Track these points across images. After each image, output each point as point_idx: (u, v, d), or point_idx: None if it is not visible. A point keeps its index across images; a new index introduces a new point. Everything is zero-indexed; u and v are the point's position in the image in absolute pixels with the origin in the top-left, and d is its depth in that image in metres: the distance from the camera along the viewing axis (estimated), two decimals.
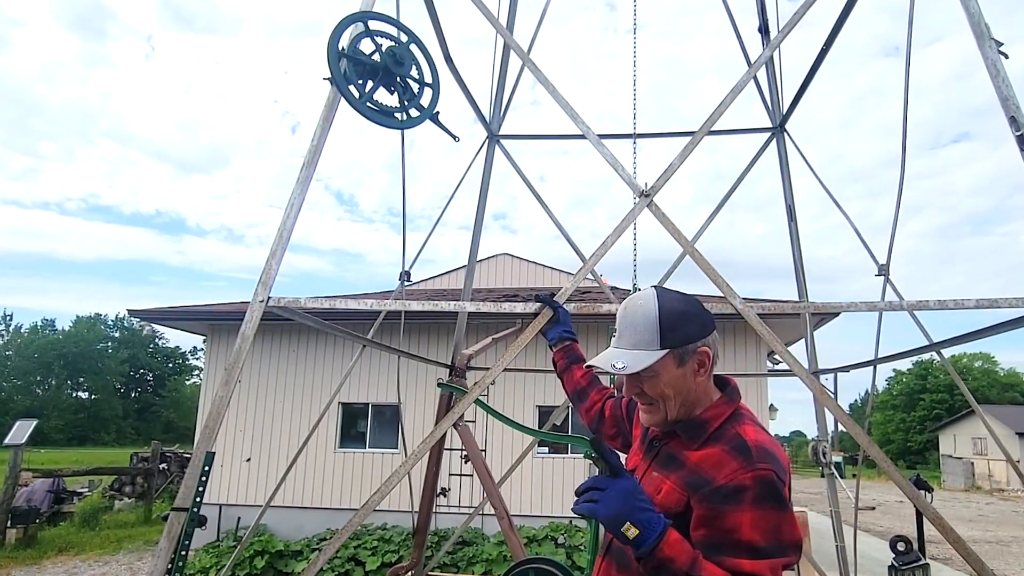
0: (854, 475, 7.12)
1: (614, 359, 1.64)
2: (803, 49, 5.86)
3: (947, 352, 4.59)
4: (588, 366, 1.77)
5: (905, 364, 61.54)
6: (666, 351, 1.61)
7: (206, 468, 3.02)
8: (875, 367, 5.32)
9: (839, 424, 5.20)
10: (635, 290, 5.17)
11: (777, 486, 1.45)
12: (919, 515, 6.37)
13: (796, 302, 6.31)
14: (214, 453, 3.13)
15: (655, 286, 1.75)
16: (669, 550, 1.38)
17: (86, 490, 17.66)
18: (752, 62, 4.72)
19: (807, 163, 6.02)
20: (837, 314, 10.83)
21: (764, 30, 6.32)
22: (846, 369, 5.98)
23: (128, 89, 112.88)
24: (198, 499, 2.97)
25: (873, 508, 22.04)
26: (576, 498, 1.46)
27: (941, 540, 3.13)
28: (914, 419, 56.93)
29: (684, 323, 1.64)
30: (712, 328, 1.70)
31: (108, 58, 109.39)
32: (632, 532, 1.38)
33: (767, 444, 1.53)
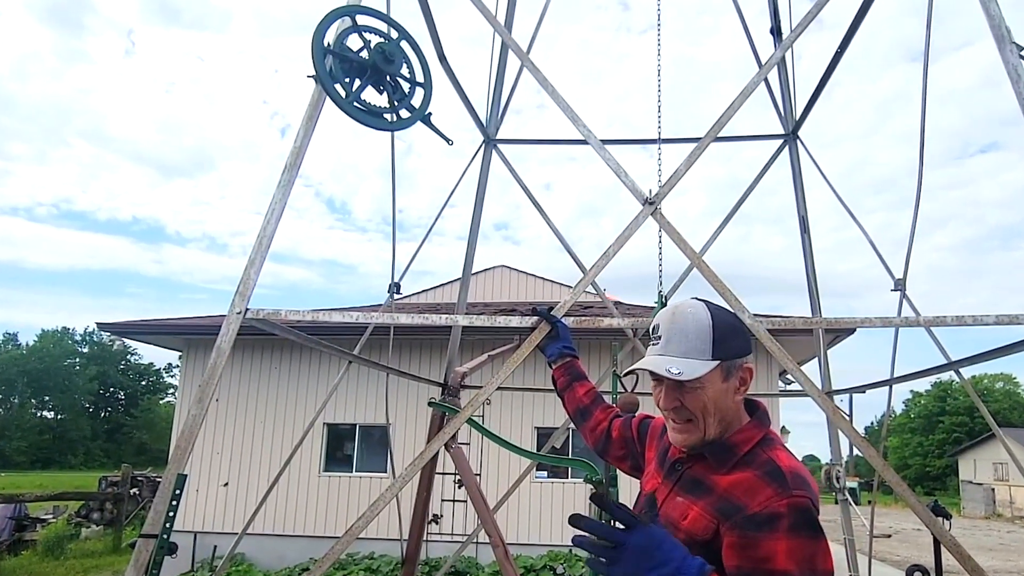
0: (869, 501, 7.10)
1: (667, 364, 1.62)
2: (819, 54, 5.89)
3: (967, 372, 4.58)
4: (632, 370, 1.74)
5: (923, 385, 61.70)
6: (717, 363, 1.63)
7: (177, 492, 2.98)
8: (891, 387, 5.31)
9: (854, 448, 5.17)
10: (661, 300, 5.16)
11: (812, 514, 1.47)
12: (937, 543, 6.32)
13: (808, 318, 6.30)
14: (186, 475, 3.09)
15: (697, 298, 1.76)
16: None
17: (50, 516, 17.45)
18: (763, 64, 4.74)
19: (820, 171, 6.04)
20: (852, 331, 10.83)
21: (776, 31, 6.36)
22: (861, 389, 5.95)
23: (106, 87, 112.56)
24: (168, 524, 2.93)
25: (889, 536, 21.93)
26: (578, 538, 1.38)
27: (960, 570, 3.10)
28: (932, 443, 56.91)
29: (734, 336, 1.68)
30: (752, 347, 1.73)
31: (85, 53, 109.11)
32: None
33: (801, 471, 1.54)
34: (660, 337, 1.69)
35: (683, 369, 1.60)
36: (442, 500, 11.23)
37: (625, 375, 1.83)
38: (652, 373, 1.67)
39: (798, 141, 6.47)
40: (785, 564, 1.40)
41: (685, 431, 1.67)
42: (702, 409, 1.63)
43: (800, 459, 1.65)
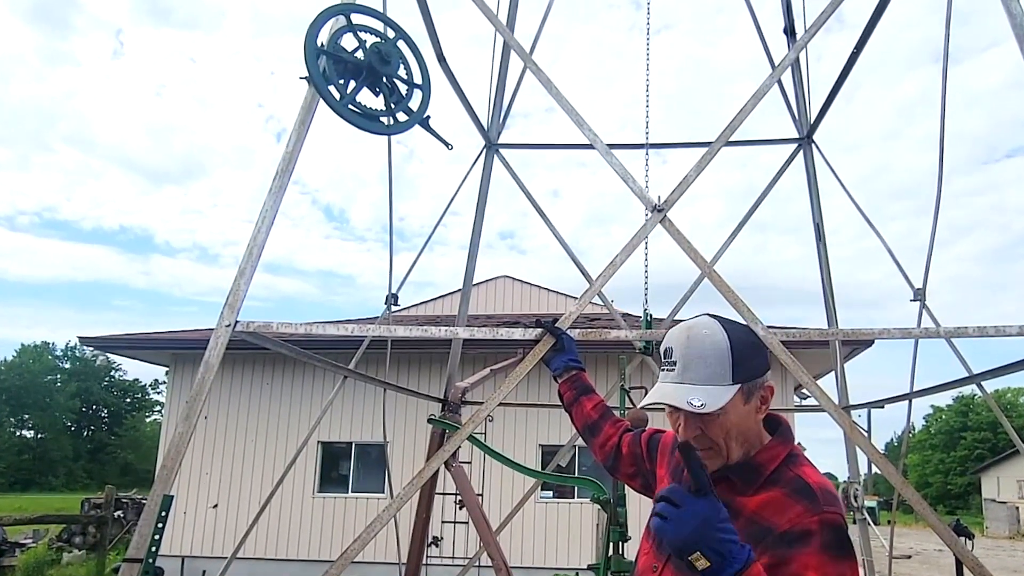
0: (889, 521, 7.08)
1: (688, 396, 1.57)
2: (838, 55, 5.91)
3: (989, 385, 4.57)
4: (651, 404, 1.69)
5: (944, 399, 61.52)
6: (738, 386, 1.60)
7: (163, 514, 2.96)
8: (911, 401, 5.30)
9: (872, 465, 5.15)
10: (646, 316, 5.14)
11: (844, 532, 1.47)
12: (959, 565, 6.31)
13: (824, 329, 6.28)
14: (173, 497, 3.08)
15: (709, 314, 1.73)
16: None
17: (30, 541, 17.38)
18: (776, 66, 4.75)
19: (836, 176, 6.05)
20: (870, 343, 10.81)
21: (790, 31, 6.38)
22: (880, 404, 5.94)
23: (93, 89, 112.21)
24: (154, 548, 2.91)
25: (909, 557, 21.84)
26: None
27: None
28: (954, 460, 56.74)
29: (753, 355, 1.65)
30: (770, 363, 1.72)
31: (71, 54, 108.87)
32: (702, 563, 1.30)
33: (829, 487, 1.54)
34: (675, 362, 1.65)
35: (705, 400, 1.56)
36: (442, 521, 11.18)
37: (642, 407, 1.79)
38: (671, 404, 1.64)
39: (813, 145, 6.48)
40: None
41: (706, 458, 1.62)
42: (724, 436, 1.61)
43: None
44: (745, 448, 1.63)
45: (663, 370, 1.69)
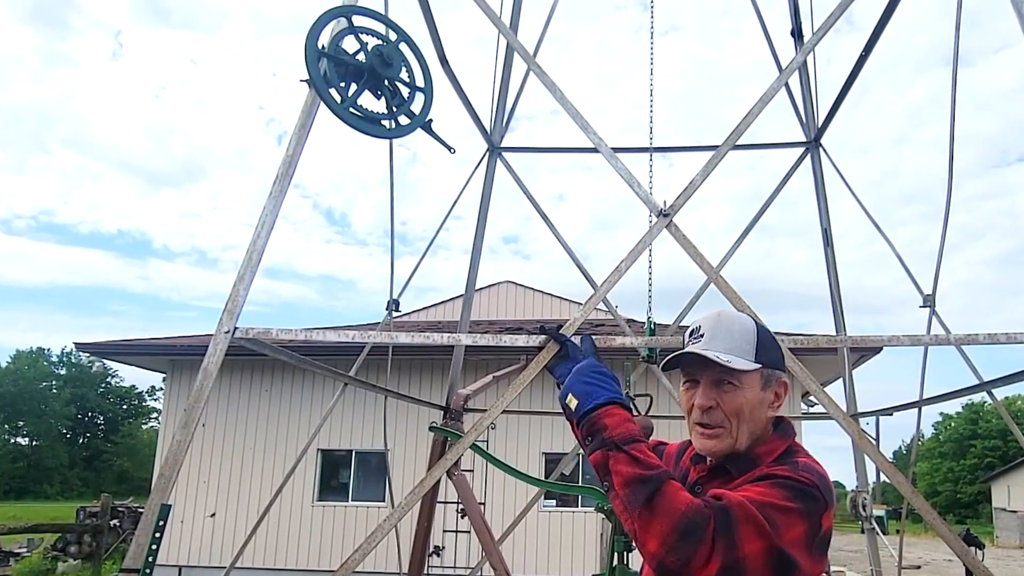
0: (898, 531, 7.07)
1: (716, 353, 1.65)
2: (844, 60, 5.90)
3: (1000, 392, 4.57)
4: (678, 355, 1.73)
5: (954, 407, 61.43)
6: (759, 366, 1.67)
7: (161, 523, 2.96)
8: (920, 409, 5.30)
9: (881, 473, 5.14)
10: (650, 324, 5.14)
11: (809, 492, 1.47)
12: (969, 575, 6.29)
13: (832, 336, 6.28)
14: (171, 506, 3.07)
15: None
16: (607, 419, 1.54)
17: (24, 550, 17.39)
18: (784, 69, 4.76)
19: (844, 180, 6.05)
20: (879, 350, 10.80)
21: (797, 34, 6.38)
22: (888, 412, 5.94)
23: (92, 91, 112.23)
24: (151, 558, 2.90)
25: (919, 567, 21.79)
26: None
27: None
28: (964, 468, 56.62)
29: (774, 348, 1.74)
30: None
31: (70, 55, 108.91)
32: (572, 403, 1.63)
33: (818, 467, 1.58)
34: (703, 335, 1.73)
35: (731, 360, 1.64)
36: (444, 531, 11.18)
37: (666, 364, 1.83)
38: (687, 373, 1.71)
39: (821, 149, 6.48)
40: (750, 494, 1.42)
41: (715, 436, 1.67)
42: (737, 412, 1.65)
43: None
44: (752, 438, 1.67)
45: (690, 343, 1.76)
